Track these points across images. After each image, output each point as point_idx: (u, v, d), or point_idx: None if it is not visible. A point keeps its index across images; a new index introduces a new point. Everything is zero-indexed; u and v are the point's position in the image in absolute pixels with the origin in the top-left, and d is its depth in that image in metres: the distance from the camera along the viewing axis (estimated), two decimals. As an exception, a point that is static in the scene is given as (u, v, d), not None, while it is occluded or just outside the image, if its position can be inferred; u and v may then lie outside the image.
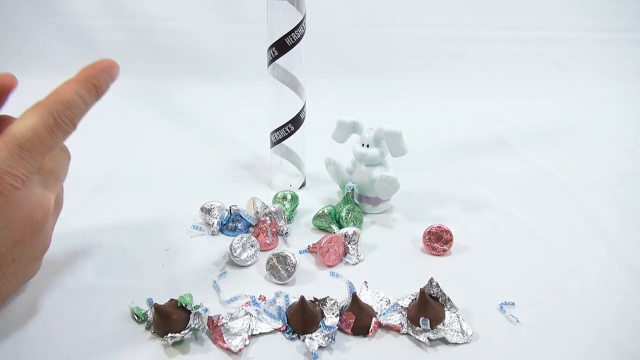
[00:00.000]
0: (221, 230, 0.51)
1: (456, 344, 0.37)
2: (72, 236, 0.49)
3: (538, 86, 0.99)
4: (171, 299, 0.39)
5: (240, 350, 0.36)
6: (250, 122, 0.79)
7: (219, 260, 0.47)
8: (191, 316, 0.37)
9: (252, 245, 0.46)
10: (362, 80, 0.99)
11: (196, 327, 0.37)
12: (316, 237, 0.49)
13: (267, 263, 0.44)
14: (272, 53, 0.53)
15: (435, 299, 0.39)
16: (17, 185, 0.32)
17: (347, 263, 0.47)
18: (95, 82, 0.35)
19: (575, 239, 0.51)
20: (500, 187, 0.61)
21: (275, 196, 0.55)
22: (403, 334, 0.38)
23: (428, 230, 0.48)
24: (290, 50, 0.52)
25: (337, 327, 0.38)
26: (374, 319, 0.38)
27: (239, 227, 0.51)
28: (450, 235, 0.48)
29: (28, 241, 0.35)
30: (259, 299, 0.41)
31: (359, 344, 0.37)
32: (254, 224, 0.51)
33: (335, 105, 0.83)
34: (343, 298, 0.41)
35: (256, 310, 0.39)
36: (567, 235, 0.51)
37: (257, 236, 0.48)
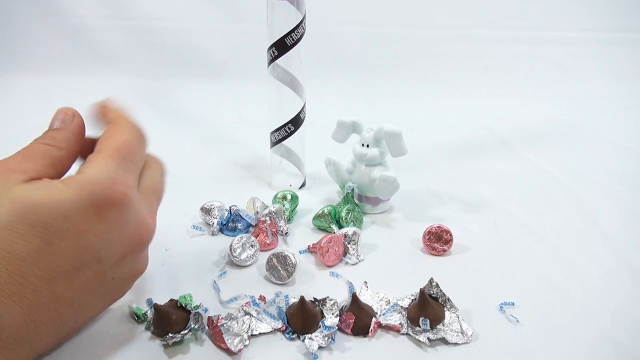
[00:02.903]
0: (221, 230, 0.51)
1: (456, 344, 0.37)
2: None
3: (538, 86, 0.99)
4: (171, 299, 0.39)
5: (240, 350, 0.36)
6: (250, 122, 0.79)
7: (219, 260, 0.47)
8: (191, 316, 0.37)
9: (252, 245, 0.46)
10: (362, 80, 0.99)
11: (196, 327, 0.37)
12: (316, 237, 0.49)
13: (267, 263, 0.44)
14: (272, 53, 0.53)
15: (435, 299, 0.39)
16: (130, 194, 0.32)
17: (347, 263, 0.47)
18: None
19: (575, 238, 0.51)
20: (500, 187, 0.61)
21: (275, 196, 0.55)
22: (403, 334, 0.38)
23: (428, 230, 0.48)
24: (290, 50, 0.52)
25: (337, 327, 0.38)
26: (373, 319, 0.38)
27: (239, 227, 0.51)
28: (450, 235, 0.47)
29: (129, 260, 0.34)
30: (259, 299, 0.41)
31: (359, 344, 0.37)
32: (254, 224, 0.51)
33: (335, 105, 0.84)
34: (343, 298, 0.41)
35: (256, 310, 0.39)
36: (567, 235, 0.51)
37: (257, 236, 0.48)
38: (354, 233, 0.47)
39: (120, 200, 0.31)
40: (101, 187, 0.31)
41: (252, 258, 0.46)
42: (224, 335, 0.37)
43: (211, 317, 0.38)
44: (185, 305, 0.38)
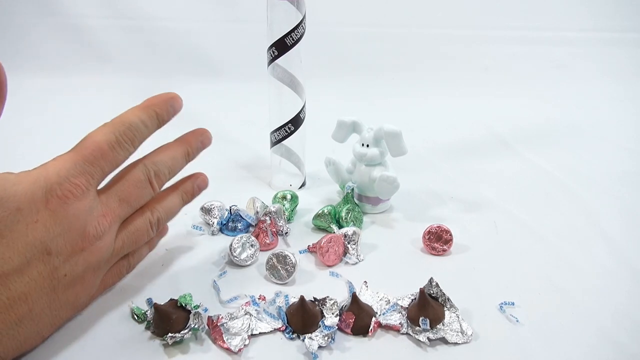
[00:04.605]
0: (221, 230, 0.51)
1: (456, 343, 0.37)
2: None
3: (538, 86, 0.99)
4: (171, 299, 0.39)
5: (240, 350, 0.36)
6: (250, 122, 0.79)
7: (219, 260, 0.47)
8: (191, 316, 0.37)
9: (251, 245, 0.46)
10: (362, 80, 0.99)
11: (196, 327, 0.37)
12: (316, 237, 0.49)
13: (267, 263, 0.44)
14: (272, 53, 0.53)
15: (435, 298, 0.39)
16: (77, 193, 0.34)
17: (347, 263, 0.47)
18: (157, 109, 0.38)
19: (575, 238, 0.51)
20: (500, 187, 0.61)
21: (275, 196, 0.55)
22: (403, 333, 0.38)
23: (428, 230, 0.48)
24: (290, 50, 0.52)
25: (336, 327, 0.38)
26: (373, 318, 0.38)
27: (239, 227, 0.51)
28: (450, 235, 0.48)
29: (80, 258, 0.34)
30: (259, 298, 0.41)
31: (359, 343, 0.37)
32: (253, 224, 0.51)
33: (335, 105, 0.84)
34: (343, 298, 0.41)
35: (256, 310, 0.39)
36: (567, 235, 0.51)
37: (257, 236, 0.48)
38: (354, 233, 0.47)
39: (66, 197, 0.33)
40: (51, 183, 0.33)
41: (252, 258, 0.46)
42: (224, 335, 0.37)
43: (211, 316, 0.38)
44: (185, 305, 0.38)
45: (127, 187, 0.38)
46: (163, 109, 0.39)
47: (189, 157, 0.42)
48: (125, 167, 0.39)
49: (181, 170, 0.42)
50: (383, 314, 0.39)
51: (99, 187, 0.36)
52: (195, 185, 0.44)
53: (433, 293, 0.40)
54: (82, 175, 0.34)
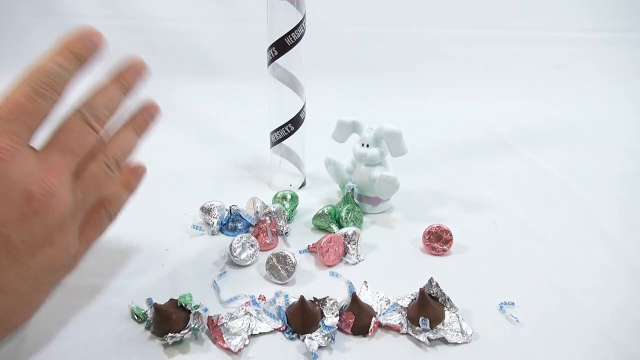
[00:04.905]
0: (221, 230, 0.51)
1: (456, 343, 0.37)
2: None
3: (538, 86, 0.99)
4: (171, 299, 0.39)
5: (240, 350, 0.36)
6: (250, 122, 0.79)
7: (219, 260, 0.47)
8: (191, 316, 0.37)
9: (251, 245, 0.46)
10: (362, 80, 0.99)
11: (196, 327, 0.37)
12: (316, 237, 0.49)
13: (267, 263, 0.44)
14: (272, 53, 0.53)
15: (435, 298, 0.39)
16: (4, 156, 0.31)
17: (347, 263, 0.47)
18: (74, 49, 0.35)
19: (575, 238, 0.51)
20: (500, 187, 0.61)
21: (275, 196, 0.55)
22: (403, 333, 0.38)
23: (428, 230, 0.48)
24: (290, 50, 0.52)
25: (336, 327, 0.38)
26: (373, 318, 0.38)
27: (239, 227, 0.51)
28: (450, 235, 0.47)
29: (35, 221, 0.33)
30: (259, 298, 0.41)
31: (359, 343, 0.37)
32: (253, 224, 0.51)
33: (335, 105, 0.83)
34: (343, 298, 0.41)
35: (256, 310, 0.39)
36: (567, 235, 0.51)
37: (257, 236, 0.48)
38: (354, 233, 0.47)
39: None
40: None
41: (252, 258, 0.46)
42: (224, 335, 0.37)
43: (211, 316, 0.38)
44: (185, 305, 0.38)
45: (65, 136, 0.35)
46: (80, 47, 0.35)
47: (126, 89, 0.38)
48: (61, 118, 0.36)
49: (121, 105, 0.39)
50: (383, 314, 0.39)
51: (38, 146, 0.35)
52: (147, 114, 0.41)
53: (433, 293, 0.40)
54: (5, 135, 0.32)
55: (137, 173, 0.44)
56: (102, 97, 0.37)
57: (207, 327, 0.38)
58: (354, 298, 0.39)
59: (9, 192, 0.32)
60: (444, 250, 0.47)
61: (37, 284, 0.35)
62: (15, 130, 0.32)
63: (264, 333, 0.38)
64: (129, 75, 0.39)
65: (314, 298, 0.40)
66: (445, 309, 0.39)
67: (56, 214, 0.34)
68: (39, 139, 0.34)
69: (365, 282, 0.43)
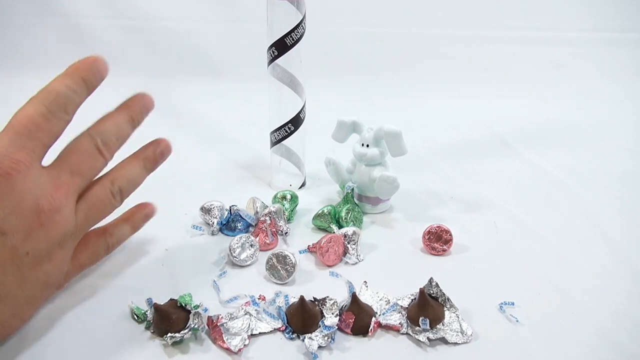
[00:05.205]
0: (221, 230, 0.51)
1: (456, 343, 0.37)
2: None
3: (538, 86, 0.99)
4: (171, 299, 0.39)
5: (239, 350, 0.36)
6: (250, 122, 0.79)
7: (219, 260, 0.47)
8: (191, 316, 0.37)
9: (251, 245, 0.46)
10: (361, 80, 0.99)
11: (196, 327, 0.37)
12: (316, 237, 0.49)
13: (267, 263, 0.44)
14: (272, 53, 0.53)
15: (435, 298, 0.39)
16: (19, 169, 0.33)
17: (346, 263, 0.46)
18: (83, 75, 0.36)
19: (575, 238, 0.51)
20: (500, 187, 0.61)
21: (275, 196, 0.55)
22: (403, 333, 0.38)
23: (428, 230, 0.48)
24: (290, 50, 0.52)
25: (336, 327, 0.38)
26: (373, 318, 0.38)
27: (239, 227, 0.51)
28: (450, 235, 0.47)
29: (40, 234, 0.34)
30: (259, 298, 0.41)
31: (359, 343, 0.37)
32: (253, 224, 0.51)
33: (335, 105, 0.83)
34: (343, 298, 0.41)
35: (256, 310, 0.39)
36: (567, 235, 0.51)
37: (256, 236, 0.48)
38: (354, 233, 0.47)
39: (8, 175, 0.32)
40: None
41: (252, 258, 0.46)
42: (223, 335, 0.37)
43: (211, 316, 0.38)
44: (185, 305, 0.38)
45: (76, 158, 0.37)
46: (89, 74, 0.37)
47: (134, 122, 0.40)
48: (72, 140, 0.38)
49: (129, 136, 0.40)
50: (383, 314, 0.39)
51: (48, 164, 0.36)
52: (158, 151, 0.43)
53: (433, 293, 0.40)
54: (22, 150, 0.33)
55: (145, 212, 0.45)
56: (113, 126, 0.39)
57: (207, 327, 0.38)
58: (354, 298, 0.39)
59: (22, 204, 0.33)
60: (444, 250, 0.47)
61: (31, 297, 0.35)
62: (31, 146, 0.34)
63: (264, 333, 0.38)
64: (136, 107, 0.40)
65: (314, 298, 0.40)
66: (445, 309, 0.39)
67: (59, 231, 0.35)
68: (46, 158, 0.36)
69: (365, 282, 0.43)
